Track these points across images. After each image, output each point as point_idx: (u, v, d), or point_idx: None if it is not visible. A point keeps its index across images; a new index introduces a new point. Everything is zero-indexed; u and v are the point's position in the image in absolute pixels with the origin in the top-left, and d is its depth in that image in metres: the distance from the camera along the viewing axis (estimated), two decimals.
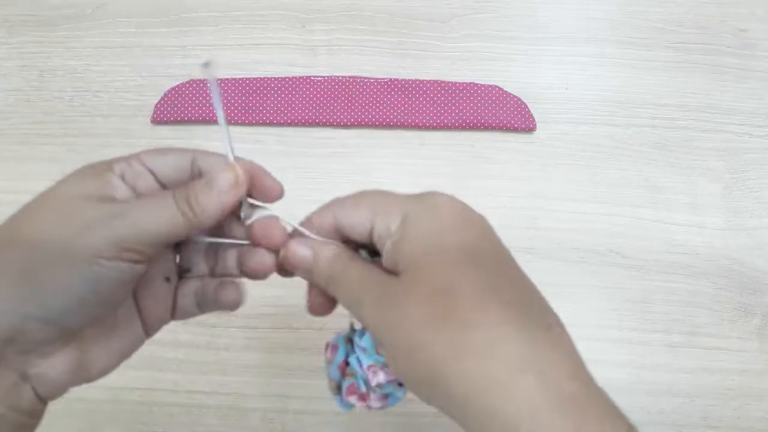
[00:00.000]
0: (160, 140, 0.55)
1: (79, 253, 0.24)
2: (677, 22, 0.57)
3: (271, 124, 0.55)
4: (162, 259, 0.30)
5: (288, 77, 0.55)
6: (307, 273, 0.29)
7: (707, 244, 0.52)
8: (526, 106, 0.54)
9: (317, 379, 0.48)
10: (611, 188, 0.53)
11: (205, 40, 0.57)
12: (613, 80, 0.56)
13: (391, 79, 0.55)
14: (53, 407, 0.28)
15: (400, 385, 0.29)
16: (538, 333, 0.24)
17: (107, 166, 0.27)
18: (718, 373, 0.49)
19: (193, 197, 0.26)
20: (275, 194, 0.30)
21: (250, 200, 0.29)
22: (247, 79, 0.55)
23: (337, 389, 0.31)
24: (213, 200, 0.27)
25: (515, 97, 0.55)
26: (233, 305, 0.31)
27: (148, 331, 0.30)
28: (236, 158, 0.28)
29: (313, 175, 0.54)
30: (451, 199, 0.28)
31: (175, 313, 0.31)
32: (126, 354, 0.30)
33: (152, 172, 0.28)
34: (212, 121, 0.55)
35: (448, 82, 0.55)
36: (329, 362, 0.31)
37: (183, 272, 0.32)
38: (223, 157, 0.28)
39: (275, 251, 0.30)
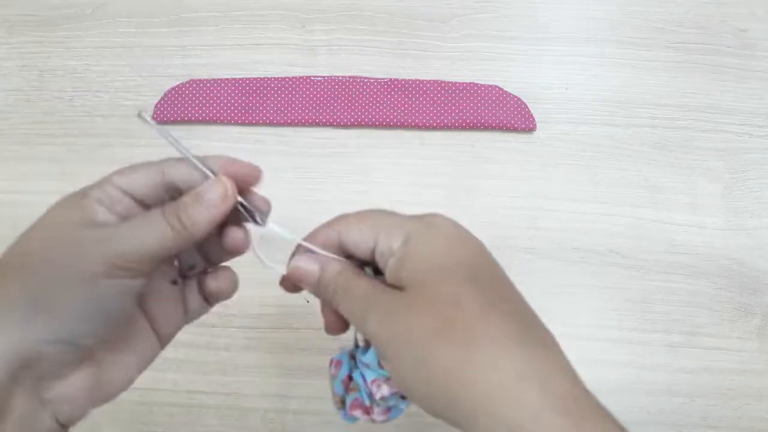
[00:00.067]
0: (159, 140, 0.54)
1: (78, 275, 0.25)
2: (677, 22, 0.57)
3: (271, 124, 0.55)
4: (163, 266, 0.31)
5: (288, 77, 0.55)
6: (313, 287, 0.30)
7: (707, 244, 0.52)
8: (526, 106, 0.54)
9: (317, 379, 0.48)
10: (611, 188, 0.53)
11: (205, 40, 0.57)
12: (613, 80, 0.56)
13: (391, 79, 0.55)
14: None
15: (403, 397, 0.30)
16: (536, 349, 0.25)
17: (82, 194, 0.28)
18: (718, 373, 0.49)
19: (183, 212, 0.27)
20: (253, 180, 0.30)
21: (242, 201, 0.29)
22: (247, 79, 0.55)
23: (341, 404, 0.31)
24: (203, 213, 0.27)
25: (515, 97, 0.55)
26: (226, 292, 0.32)
27: (162, 340, 0.31)
28: (207, 157, 0.29)
29: (313, 175, 0.54)
30: (451, 221, 0.29)
31: (186, 314, 0.32)
32: (141, 368, 0.30)
33: (126, 193, 0.28)
34: (212, 121, 0.55)
35: (448, 82, 0.55)
36: (333, 378, 0.32)
37: (187, 270, 0.33)
38: (190, 161, 0.29)
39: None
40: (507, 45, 0.57)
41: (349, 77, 0.55)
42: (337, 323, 0.31)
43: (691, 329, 0.50)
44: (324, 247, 0.30)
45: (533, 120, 0.54)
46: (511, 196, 0.53)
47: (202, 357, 0.49)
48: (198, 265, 0.33)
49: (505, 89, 0.55)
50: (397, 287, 0.27)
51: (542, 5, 0.58)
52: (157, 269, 0.28)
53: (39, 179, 0.54)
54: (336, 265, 0.29)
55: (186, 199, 0.27)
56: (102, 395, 0.28)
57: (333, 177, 0.53)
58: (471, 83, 0.55)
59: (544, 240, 0.52)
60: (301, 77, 0.55)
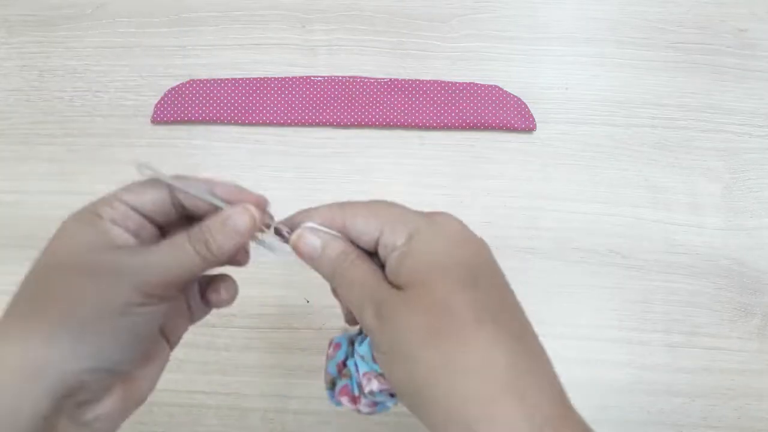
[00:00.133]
0: (159, 140, 0.55)
1: (114, 306, 0.26)
2: (677, 22, 0.57)
3: (271, 124, 0.55)
4: None
5: (288, 77, 0.55)
6: (314, 262, 0.30)
7: (707, 244, 0.52)
8: (526, 106, 0.54)
9: (317, 379, 0.48)
10: (611, 188, 0.53)
11: (205, 40, 0.57)
12: (613, 80, 0.56)
13: (391, 79, 0.55)
14: None
15: (392, 395, 0.30)
16: (525, 359, 0.25)
17: (94, 214, 0.28)
18: (718, 373, 0.49)
19: (211, 239, 0.28)
20: (260, 208, 0.30)
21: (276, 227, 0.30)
22: (247, 79, 0.55)
23: (332, 384, 0.32)
24: (230, 241, 0.28)
25: (515, 97, 0.55)
26: (227, 302, 0.33)
27: (172, 345, 0.32)
28: (216, 182, 0.29)
29: (313, 175, 0.54)
30: (457, 221, 0.29)
31: (192, 317, 0.33)
32: (160, 374, 0.31)
33: (136, 209, 0.29)
34: (212, 121, 0.55)
35: (448, 82, 0.55)
36: (329, 358, 0.32)
37: None
38: (201, 183, 0.29)
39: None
40: (507, 45, 0.57)
41: (349, 77, 0.55)
42: (351, 315, 0.31)
43: (691, 329, 0.50)
44: (327, 225, 0.30)
45: (533, 120, 0.54)
46: (511, 196, 0.53)
47: (202, 357, 0.49)
48: None
49: (505, 89, 0.55)
50: (395, 282, 0.27)
51: (542, 5, 0.58)
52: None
53: (39, 179, 0.54)
54: (339, 245, 0.29)
55: (212, 225, 0.28)
56: (132, 407, 0.29)
57: (333, 177, 0.53)
58: (471, 83, 0.55)
59: (544, 240, 0.52)
60: (301, 77, 0.55)
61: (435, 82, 0.55)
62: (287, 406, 0.48)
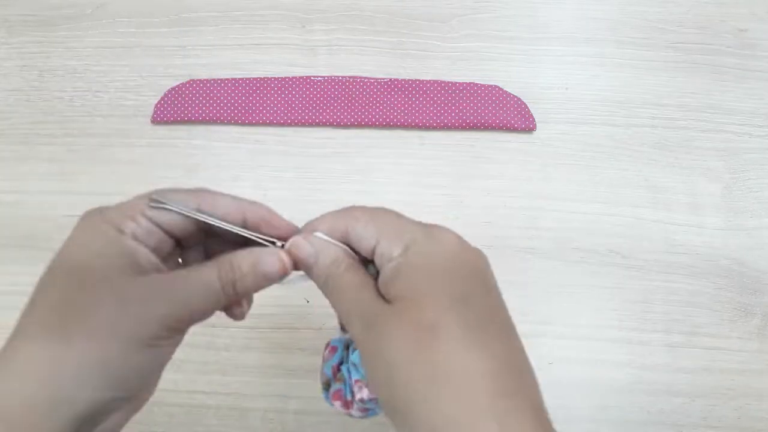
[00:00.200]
0: (159, 140, 0.55)
1: (139, 338, 0.26)
2: (677, 22, 0.57)
3: (271, 124, 0.55)
4: None
5: (288, 77, 0.55)
6: (308, 269, 0.30)
7: (707, 244, 0.52)
8: (526, 106, 0.54)
9: (317, 379, 0.48)
10: (611, 188, 0.53)
11: (205, 40, 0.57)
12: (613, 80, 0.56)
13: (391, 79, 0.55)
14: None
15: None
16: (509, 382, 0.25)
17: (116, 229, 0.27)
18: (718, 373, 0.49)
19: (240, 281, 0.28)
20: (284, 234, 0.30)
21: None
22: (247, 79, 0.55)
23: (327, 385, 0.32)
24: (257, 286, 0.29)
25: (515, 97, 0.55)
26: (239, 318, 0.32)
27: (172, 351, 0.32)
28: (244, 202, 0.29)
29: (313, 175, 0.54)
30: (455, 237, 0.29)
31: None
32: (159, 379, 0.31)
33: (159, 226, 0.29)
34: (212, 121, 0.55)
35: (448, 82, 0.55)
36: (325, 360, 0.32)
37: None
38: (229, 200, 0.29)
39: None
40: (507, 45, 0.57)
41: (349, 77, 0.55)
42: None
43: (691, 329, 0.50)
44: (330, 233, 0.30)
45: (533, 120, 0.54)
46: (511, 196, 0.53)
47: (202, 357, 0.49)
48: None
49: (505, 89, 0.55)
50: (385, 295, 0.27)
51: (542, 5, 0.58)
52: None
53: (39, 179, 0.54)
54: (332, 253, 0.29)
55: (243, 266, 0.28)
56: (135, 412, 0.29)
57: (333, 177, 0.53)
58: (471, 83, 0.55)
59: (544, 240, 0.52)
60: (301, 77, 0.55)
61: (435, 82, 0.55)
62: (287, 406, 0.48)
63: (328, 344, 0.33)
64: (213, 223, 0.29)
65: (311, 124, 0.55)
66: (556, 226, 0.52)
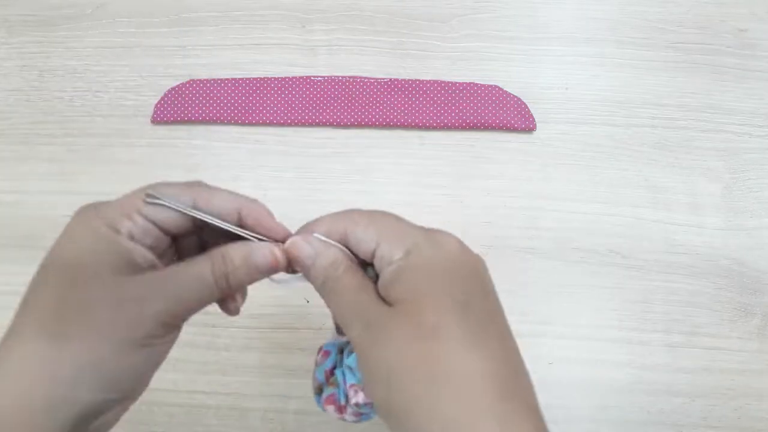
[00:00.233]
0: (159, 140, 0.55)
1: (134, 338, 0.26)
2: (677, 22, 0.57)
3: (271, 124, 0.55)
4: None
5: (288, 77, 0.55)
6: (305, 270, 0.30)
7: (707, 244, 0.52)
8: (526, 106, 0.54)
9: None
10: (611, 188, 0.53)
11: (205, 40, 0.57)
12: (613, 80, 0.56)
13: (391, 79, 0.55)
14: None
15: None
16: (507, 385, 0.25)
17: (111, 228, 0.27)
18: (718, 373, 0.49)
19: (233, 274, 0.28)
20: (277, 237, 0.30)
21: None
22: (247, 79, 0.55)
23: (319, 390, 0.32)
24: (249, 278, 0.29)
25: (515, 97, 0.55)
26: (233, 313, 0.32)
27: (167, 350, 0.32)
28: (242, 200, 0.29)
29: (313, 175, 0.54)
30: (456, 241, 0.29)
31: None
32: (150, 379, 0.31)
33: (155, 223, 0.29)
34: (212, 121, 0.55)
35: (448, 82, 0.55)
36: (317, 365, 0.32)
37: None
38: (225, 195, 0.29)
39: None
40: (507, 45, 0.57)
41: (349, 77, 0.55)
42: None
43: (691, 329, 0.50)
44: (329, 235, 0.29)
45: (533, 120, 0.54)
46: (511, 196, 0.53)
47: (202, 357, 0.49)
48: None
49: (505, 89, 0.55)
50: (385, 298, 0.27)
51: (542, 5, 0.58)
52: None
53: (39, 179, 0.54)
54: (331, 254, 0.29)
55: (236, 260, 0.28)
56: (125, 411, 0.29)
57: (333, 177, 0.53)
58: (471, 83, 0.55)
59: (544, 240, 0.52)
60: (301, 77, 0.55)
61: (435, 82, 0.55)
62: (287, 406, 0.48)
63: (320, 348, 0.32)
64: (209, 221, 0.29)
65: (311, 124, 0.55)
66: (556, 226, 0.52)
